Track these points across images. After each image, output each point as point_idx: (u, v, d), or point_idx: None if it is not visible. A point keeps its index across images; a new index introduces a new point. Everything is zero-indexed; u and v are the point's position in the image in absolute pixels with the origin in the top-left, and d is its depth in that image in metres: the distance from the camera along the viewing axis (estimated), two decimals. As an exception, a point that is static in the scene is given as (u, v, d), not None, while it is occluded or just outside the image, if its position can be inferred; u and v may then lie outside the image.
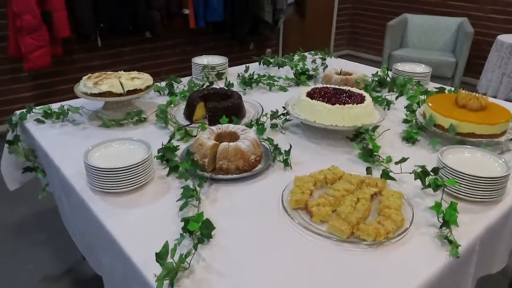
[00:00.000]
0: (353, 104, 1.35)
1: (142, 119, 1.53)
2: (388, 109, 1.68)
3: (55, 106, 1.57)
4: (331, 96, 1.42)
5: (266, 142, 1.30)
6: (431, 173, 1.05)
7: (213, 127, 1.27)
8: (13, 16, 2.74)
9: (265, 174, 1.20)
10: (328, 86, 1.53)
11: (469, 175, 1.02)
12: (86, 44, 3.51)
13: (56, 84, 3.49)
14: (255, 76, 1.92)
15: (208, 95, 1.58)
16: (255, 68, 2.21)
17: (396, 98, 1.72)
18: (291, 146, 1.28)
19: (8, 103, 3.28)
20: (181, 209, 0.99)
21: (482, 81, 3.81)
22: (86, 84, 1.48)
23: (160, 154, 1.23)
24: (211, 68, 1.91)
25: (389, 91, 1.87)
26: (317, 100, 1.39)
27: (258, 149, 1.21)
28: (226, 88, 1.63)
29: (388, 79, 1.95)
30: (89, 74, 1.59)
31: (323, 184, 1.12)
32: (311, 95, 1.44)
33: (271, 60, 2.18)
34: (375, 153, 1.26)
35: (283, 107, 1.49)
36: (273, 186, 1.13)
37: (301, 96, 1.43)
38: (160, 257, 0.75)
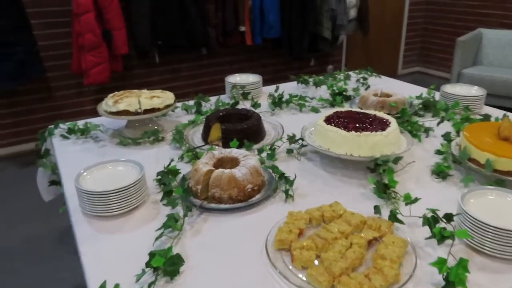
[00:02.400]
0: (372, 131, 1.21)
1: (160, 138, 1.52)
2: (427, 137, 1.50)
3: (81, 123, 1.63)
4: (350, 121, 1.29)
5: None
6: (443, 220, 0.88)
7: (215, 152, 1.21)
8: (76, 35, 2.97)
9: (263, 206, 1.11)
10: (353, 110, 1.40)
11: (492, 226, 0.84)
12: (145, 60, 3.69)
13: (117, 98, 3.69)
14: (287, 96, 1.83)
15: (227, 116, 1.54)
16: (293, 87, 2.12)
17: (438, 124, 1.53)
18: (295, 176, 1.17)
19: (73, 116, 3.54)
20: (156, 239, 0.94)
21: None
22: (107, 102, 1.52)
23: (158, 177, 1.19)
24: (241, 87, 1.87)
25: (433, 116, 1.67)
26: (333, 125, 1.27)
27: (257, 177, 1.13)
28: (248, 109, 1.57)
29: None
30: (115, 92, 1.63)
31: (320, 222, 1.00)
32: (328, 119, 1.32)
33: (309, 79, 2.08)
34: (391, 189, 1.11)
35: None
36: (269, 220, 1.03)
37: (318, 121, 1.32)
38: (95, 297, 0.70)
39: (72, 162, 1.38)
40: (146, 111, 1.50)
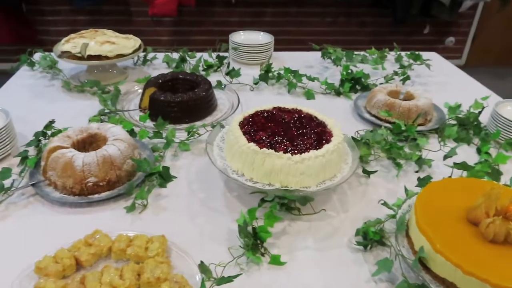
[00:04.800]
0: (279, 150, 0.84)
1: (107, 90, 1.34)
2: (418, 171, 1.03)
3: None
4: (273, 127, 0.92)
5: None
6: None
7: (94, 125, 0.99)
8: (147, -39, 2.86)
9: (102, 208, 0.87)
10: (304, 110, 1.00)
11: None
12: (224, -2, 3.45)
13: (191, 33, 3.59)
14: (280, 70, 1.45)
15: (172, 81, 1.28)
16: (316, 58, 1.69)
17: (445, 158, 1.02)
18: (156, 180, 0.89)
19: (150, 43, 3.56)
20: None
21: None
22: (63, 40, 1.37)
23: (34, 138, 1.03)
24: (234, 48, 1.54)
25: (463, 141, 1.14)
26: (242, 128, 0.92)
27: (109, 171, 0.88)
28: (201, 76, 1.28)
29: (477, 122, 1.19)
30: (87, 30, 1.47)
31: (122, 258, 0.73)
32: (252, 117, 0.96)
33: (331, 51, 1.62)
34: (262, 242, 0.76)
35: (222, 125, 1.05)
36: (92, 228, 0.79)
37: (237, 117, 0.97)
38: None
39: (4, 97, 1.31)
40: (91, 58, 1.32)
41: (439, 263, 0.65)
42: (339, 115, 1.29)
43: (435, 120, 1.24)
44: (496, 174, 0.86)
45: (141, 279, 0.67)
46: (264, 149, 0.83)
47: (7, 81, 1.41)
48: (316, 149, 0.85)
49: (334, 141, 0.88)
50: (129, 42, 1.38)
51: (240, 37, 1.64)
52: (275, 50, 1.69)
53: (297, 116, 0.97)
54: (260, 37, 1.65)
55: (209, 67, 1.45)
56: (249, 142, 0.86)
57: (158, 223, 0.84)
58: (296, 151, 0.84)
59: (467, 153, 1.12)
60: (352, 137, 1.00)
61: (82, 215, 0.86)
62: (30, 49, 1.52)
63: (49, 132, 1.05)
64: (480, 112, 1.21)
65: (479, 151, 1.10)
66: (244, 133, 0.89)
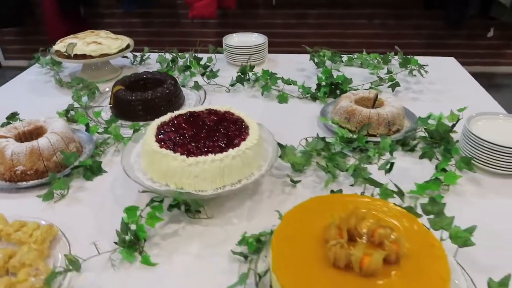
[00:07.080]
0: (177, 152, 0.84)
1: (92, 87, 1.44)
2: (353, 185, 0.95)
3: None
4: (187, 128, 0.92)
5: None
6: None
7: (42, 118, 1.07)
8: (187, -35, 2.97)
9: (29, 195, 0.94)
10: (235, 114, 0.99)
11: None
12: (267, 0, 3.46)
13: (235, 35, 3.66)
14: (259, 73, 1.43)
15: (145, 80, 1.33)
16: (310, 62, 1.63)
17: (386, 172, 0.93)
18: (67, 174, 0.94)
19: (195, 44, 3.71)
20: None
21: None
22: (58, 40, 1.50)
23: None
24: (221, 51, 1.55)
25: (425, 157, 1.04)
26: (161, 128, 0.93)
27: (36, 161, 0.95)
28: (169, 76, 1.31)
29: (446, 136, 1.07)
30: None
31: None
32: (176, 118, 0.97)
33: (321, 54, 1.55)
34: (143, 242, 0.77)
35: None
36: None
37: (161, 117, 0.99)
38: None
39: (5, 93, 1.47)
40: (78, 57, 1.42)
41: (275, 285, 0.60)
42: (304, 121, 1.24)
43: (404, 131, 1.14)
44: (400, 195, 0.77)
45: (9, 262, 0.72)
46: (163, 149, 0.84)
47: (16, 76, 1.58)
48: (216, 153, 0.84)
49: (241, 146, 0.86)
50: (115, 43, 1.46)
51: (234, 39, 1.65)
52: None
53: (218, 118, 0.95)
54: (254, 39, 1.64)
55: (187, 68, 1.47)
56: (155, 142, 0.87)
57: (66, 214, 0.88)
58: (194, 154, 0.83)
59: (429, 170, 1.01)
60: (279, 144, 0.96)
61: (9, 200, 0.93)
62: (43, 48, 1.68)
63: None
64: (454, 125, 1.08)
65: (437, 168, 0.99)
66: (158, 133, 0.91)
